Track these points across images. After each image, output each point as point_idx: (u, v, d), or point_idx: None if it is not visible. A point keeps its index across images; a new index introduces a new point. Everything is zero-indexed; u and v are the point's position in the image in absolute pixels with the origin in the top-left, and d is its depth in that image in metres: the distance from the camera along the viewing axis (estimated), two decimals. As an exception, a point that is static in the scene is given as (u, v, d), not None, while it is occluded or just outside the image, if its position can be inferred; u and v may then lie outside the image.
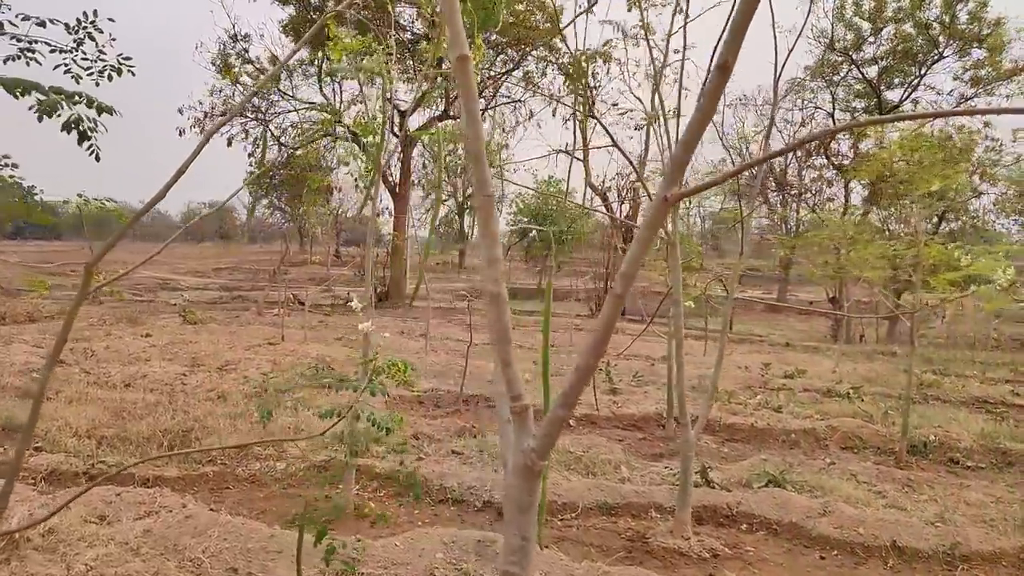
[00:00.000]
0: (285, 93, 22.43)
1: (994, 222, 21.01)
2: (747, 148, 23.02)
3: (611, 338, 1.38)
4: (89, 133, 3.52)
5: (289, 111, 22.96)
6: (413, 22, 20.69)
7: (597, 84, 18.54)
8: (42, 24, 3.55)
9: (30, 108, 3.21)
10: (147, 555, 3.57)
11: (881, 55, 21.98)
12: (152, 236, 44.82)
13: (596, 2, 6.56)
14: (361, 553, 3.31)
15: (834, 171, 23.95)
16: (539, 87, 21.70)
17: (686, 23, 4.98)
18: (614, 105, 16.74)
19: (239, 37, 21.43)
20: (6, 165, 3.42)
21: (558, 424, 1.45)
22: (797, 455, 6.57)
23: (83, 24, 3.67)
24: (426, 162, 32.53)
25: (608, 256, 22.75)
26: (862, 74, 22.81)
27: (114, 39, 3.80)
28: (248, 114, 21.58)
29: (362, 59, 4.49)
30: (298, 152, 23.54)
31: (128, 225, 2.35)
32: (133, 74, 3.87)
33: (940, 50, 21.00)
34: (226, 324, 14.52)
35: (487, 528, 4.47)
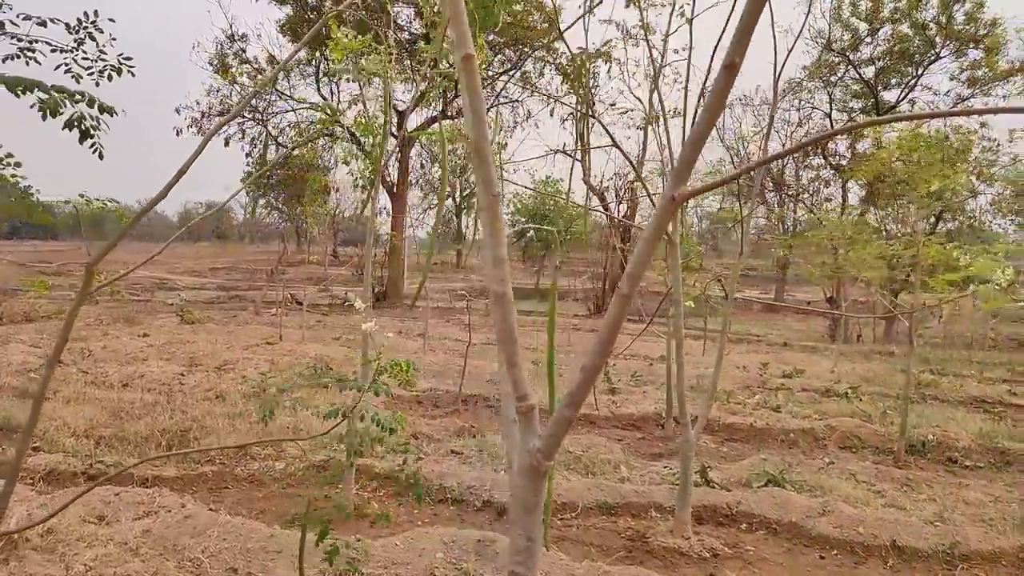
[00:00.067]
0: (283, 93, 22.41)
1: (991, 222, 21.10)
2: (745, 148, 23.08)
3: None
4: (91, 132, 3.51)
5: (287, 111, 22.96)
6: (411, 22, 20.69)
7: (596, 84, 18.56)
8: (43, 24, 3.54)
9: (31, 107, 3.21)
10: (146, 555, 3.57)
11: (878, 55, 22.05)
12: (149, 236, 44.81)
13: (600, 2, 6.52)
14: (362, 553, 3.30)
15: (831, 171, 24.00)
16: (537, 87, 21.72)
17: (691, 20, 4.99)
18: (612, 105, 16.77)
19: (236, 37, 21.43)
20: (8, 164, 3.40)
21: (564, 424, 1.44)
22: (796, 455, 6.58)
23: (83, 24, 3.67)
24: (424, 162, 32.51)
25: (606, 256, 22.75)
26: (859, 74, 22.87)
27: (114, 39, 3.79)
28: (246, 114, 21.57)
29: (362, 59, 4.48)
30: (295, 152, 23.52)
31: (130, 226, 2.35)
32: (133, 74, 3.86)
33: (937, 51, 21.08)
34: (224, 324, 14.50)
35: (487, 528, 4.47)
